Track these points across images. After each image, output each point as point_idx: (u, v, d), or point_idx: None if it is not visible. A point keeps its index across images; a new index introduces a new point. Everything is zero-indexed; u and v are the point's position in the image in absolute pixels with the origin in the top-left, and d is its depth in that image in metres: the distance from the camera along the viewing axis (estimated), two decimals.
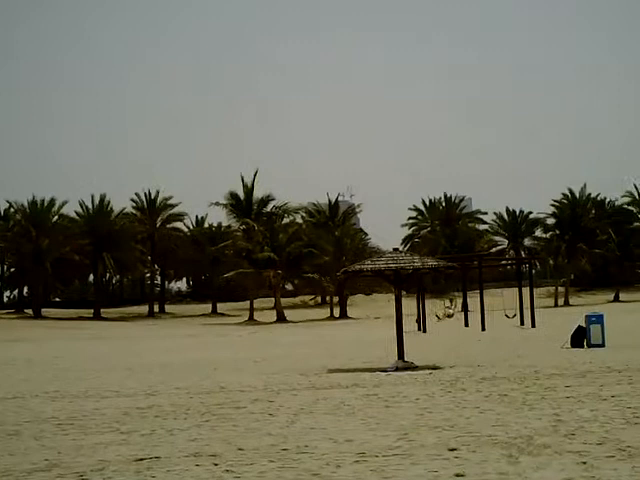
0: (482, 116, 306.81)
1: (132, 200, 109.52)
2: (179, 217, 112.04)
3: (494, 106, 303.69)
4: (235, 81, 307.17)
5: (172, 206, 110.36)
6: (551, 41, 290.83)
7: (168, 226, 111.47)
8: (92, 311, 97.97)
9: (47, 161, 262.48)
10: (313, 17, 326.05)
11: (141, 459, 11.69)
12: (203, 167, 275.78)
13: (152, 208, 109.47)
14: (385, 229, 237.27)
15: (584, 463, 10.31)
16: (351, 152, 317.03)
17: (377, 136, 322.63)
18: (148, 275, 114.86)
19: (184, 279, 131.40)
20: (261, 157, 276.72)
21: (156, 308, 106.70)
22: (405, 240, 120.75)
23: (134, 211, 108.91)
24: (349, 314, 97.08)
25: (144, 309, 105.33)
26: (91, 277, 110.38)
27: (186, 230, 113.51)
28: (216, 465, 11.11)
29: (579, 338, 31.94)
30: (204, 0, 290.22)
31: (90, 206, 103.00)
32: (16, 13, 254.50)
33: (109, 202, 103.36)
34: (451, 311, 66.22)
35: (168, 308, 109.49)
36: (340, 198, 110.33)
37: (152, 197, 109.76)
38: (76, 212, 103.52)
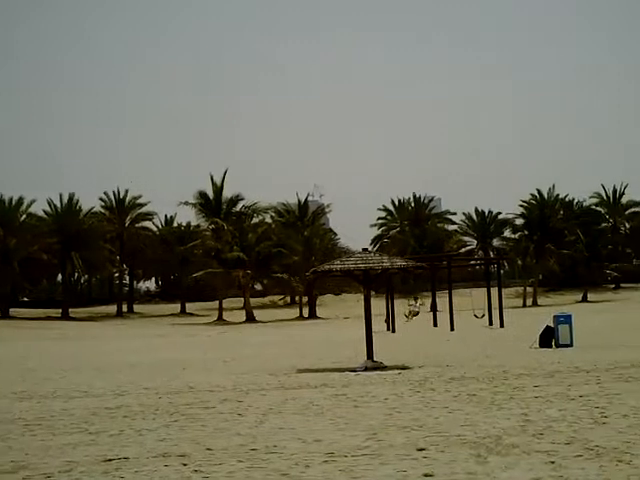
0: (479, 116, 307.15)
1: (101, 199, 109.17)
2: (148, 216, 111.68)
3: (492, 106, 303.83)
4: (236, 81, 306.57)
5: (141, 205, 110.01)
6: (551, 41, 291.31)
7: (137, 225, 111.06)
8: (60, 311, 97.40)
9: (47, 161, 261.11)
10: (313, 17, 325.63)
11: (109, 460, 11.64)
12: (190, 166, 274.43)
13: (121, 207, 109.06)
14: (354, 229, 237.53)
15: (552, 463, 10.36)
16: (322, 152, 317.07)
17: (349, 136, 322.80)
18: (117, 275, 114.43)
19: (153, 279, 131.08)
20: (235, 158, 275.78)
21: (125, 308, 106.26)
22: (374, 240, 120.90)
23: (103, 210, 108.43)
24: (318, 314, 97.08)
25: (112, 309, 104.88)
26: (59, 277, 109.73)
27: (155, 229, 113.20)
28: (185, 465, 11.08)
29: (547, 338, 32.10)
30: (204, 0, 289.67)
31: (58, 205, 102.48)
32: (16, 13, 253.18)
33: (78, 201, 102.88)
34: (416, 309, 66.07)
35: (137, 308, 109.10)
36: (310, 198, 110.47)
37: (121, 196, 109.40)
38: (44, 211, 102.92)
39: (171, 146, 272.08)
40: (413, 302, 65.56)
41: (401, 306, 67.65)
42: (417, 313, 64.12)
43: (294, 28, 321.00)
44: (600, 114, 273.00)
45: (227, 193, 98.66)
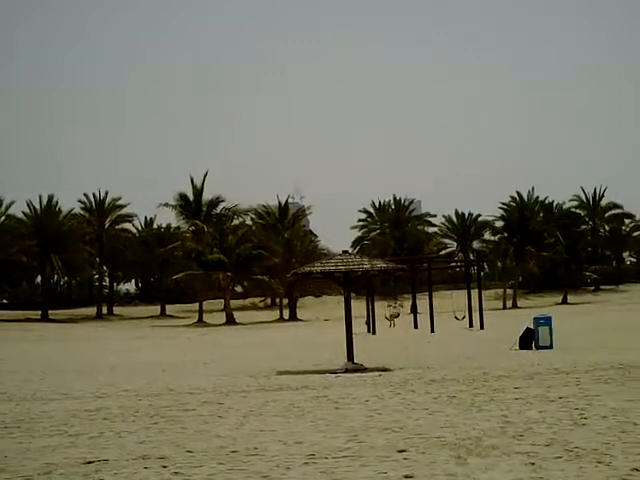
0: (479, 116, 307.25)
1: (80, 201, 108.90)
2: (128, 218, 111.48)
3: (492, 106, 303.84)
4: (234, 81, 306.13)
5: (121, 207, 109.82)
6: (551, 41, 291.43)
7: (117, 227, 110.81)
8: (40, 313, 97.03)
9: (47, 161, 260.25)
10: (313, 17, 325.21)
11: (89, 462, 11.60)
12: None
13: (101, 209, 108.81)
14: (335, 231, 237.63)
15: (532, 464, 10.38)
16: (301, 153, 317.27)
17: (334, 137, 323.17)
18: (96, 276, 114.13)
19: (133, 281, 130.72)
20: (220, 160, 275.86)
21: (104, 310, 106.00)
22: (355, 242, 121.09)
23: (82, 212, 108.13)
24: (299, 316, 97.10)
25: (92, 311, 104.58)
26: (39, 278, 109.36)
27: (135, 231, 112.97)
28: (165, 467, 11.05)
29: (527, 340, 32.17)
30: (204, 0, 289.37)
31: (38, 207, 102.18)
32: (16, 13, 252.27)
33: (57, 202, 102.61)
34: (397, 310, 65.85)
35: (117, 310, 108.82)
36: (290, 200, 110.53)
37: (101, 198, 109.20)
38: (24, 213, 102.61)
39: (170, 146, 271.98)
40: (392, 303, 65.43)
41: (382, 308, 67.75)
42: (398, 315, 64.01)
43: (294, 28, 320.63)
44: (600, 114, 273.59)
45: (208, 194, 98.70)
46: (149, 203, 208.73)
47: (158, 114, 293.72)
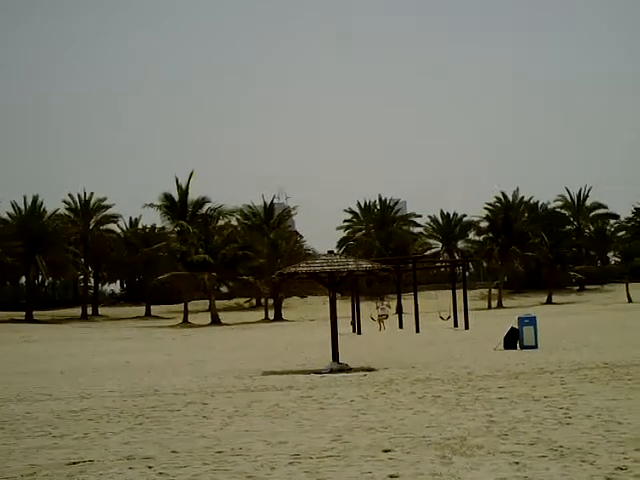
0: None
1: (65, 202, 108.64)
2: (113, 219, 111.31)
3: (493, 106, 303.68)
4: (222, 80, 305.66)
5: (106, 207, 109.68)
6: (552, 41, 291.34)
7: (102, 228, 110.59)
8: (24, 314, 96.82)
9: (32, 161, 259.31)
10: (297, 16, 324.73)
11: (74, 463, 11.57)
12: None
13: (86, 210, 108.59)
14: (321, 231, 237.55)
15: (517, 463, 10.40)
16: (287, 153, 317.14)
17: (314, 139, 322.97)
18: (81, 277, 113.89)
19: (118, 281, 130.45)
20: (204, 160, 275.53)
21: (89, 310, 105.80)
22: (340, 243, 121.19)
23: (67, 212, 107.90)
24: (284, 317, 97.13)
25: (77, 311, 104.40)
26: (23, 279, 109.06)
27: (120, 232, 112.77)
28: (150, 468, 11.03)
29: (512, 340, 32.22)
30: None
31: (22, 207, 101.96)
32: (16, 13, 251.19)
33: (42, 203, 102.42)
34: (385, 312, 64.96)
35: (102, 310, 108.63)
36: (275, 200, 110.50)
37: (86, 198, 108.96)
38: (8, 213, 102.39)
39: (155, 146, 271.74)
40: (380, 304, 64.96)
41: (367, 309, 67.70)
42: (386, 316, 63.58)
43: (282, 27, 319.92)
44: (600, 114, 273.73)
45: (194, 194, 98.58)
46: (135, 203, 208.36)
47: (145, 112, 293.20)
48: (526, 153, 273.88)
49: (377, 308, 64.21)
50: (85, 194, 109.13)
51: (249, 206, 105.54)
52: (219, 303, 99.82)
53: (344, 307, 54.12)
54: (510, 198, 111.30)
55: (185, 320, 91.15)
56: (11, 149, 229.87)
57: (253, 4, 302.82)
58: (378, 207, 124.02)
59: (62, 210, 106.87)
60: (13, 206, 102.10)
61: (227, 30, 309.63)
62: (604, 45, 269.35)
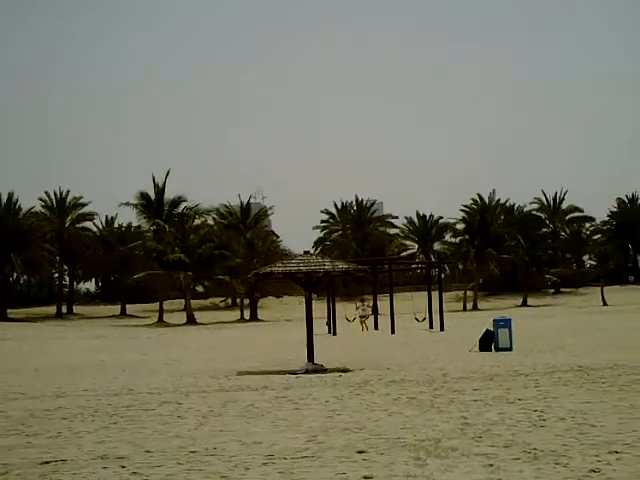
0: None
1: (41, 199, 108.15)
2: (89, 217, 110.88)
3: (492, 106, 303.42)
4: (201, 80, 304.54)
5: (82, 205, 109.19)
6: (552, 41, 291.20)
7: (78, 226, 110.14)
8: None
9: (8, 158, 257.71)
10: (314, 17, 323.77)
11: (47, 462, 11.53)
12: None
13: (62, 207, 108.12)
14: (298, 231, 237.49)
15: (491, 465, 10.44)
16: (264, 153, 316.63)
17: (292, 138, 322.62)
18: (56, 275, 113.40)
19: (93, 280, 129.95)
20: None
21: (64, 309, 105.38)
22: (316, 243, 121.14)
23: (43, 210, 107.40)
24: (260, 317, 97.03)
25: (52, 310, 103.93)
26: None
27: (96, 230, 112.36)
28: (123, 467, 11.01)
29: (487, 342, 32.29)
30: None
31: None
32: (16, 13, 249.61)
33: (17, 200, 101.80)
34: (365, 312, 64.44)
35: (77, 309, 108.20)
36: (252, 200, 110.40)
37: (62, 196, 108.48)
38: None
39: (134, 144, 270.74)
40: (361, 305, 64.70)
41: (343, 309, 67.76)
42: (367, 316, 63.26)
43: (265, 27, 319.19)
44: (600, 114, 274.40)
45: (170, 193, 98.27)
46: (111, 202, 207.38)
47: (145, 112, 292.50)
48: (526, 153, 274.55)
49: (357, 309, 64.16)
50: (61, 192, 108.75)
51: (225, 205, 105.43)
52: (195, 302, 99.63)
53: (320, 307, 54.11)
54: (487, 200, 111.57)
55: (160, 319, 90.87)
56: (11, 149, 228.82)
57: (253, 4, 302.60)
58: (355, 208, 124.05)
59: (38, 208, 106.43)
60: None
61: (227, 30, 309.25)
62: (604, 45, 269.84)
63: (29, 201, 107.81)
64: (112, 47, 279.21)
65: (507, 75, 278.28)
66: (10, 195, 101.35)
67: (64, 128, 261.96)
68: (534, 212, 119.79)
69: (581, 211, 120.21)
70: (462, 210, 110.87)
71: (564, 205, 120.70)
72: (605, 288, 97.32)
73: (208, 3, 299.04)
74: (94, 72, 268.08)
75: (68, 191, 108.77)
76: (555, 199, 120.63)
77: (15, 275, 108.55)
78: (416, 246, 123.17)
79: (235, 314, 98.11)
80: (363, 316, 61.57)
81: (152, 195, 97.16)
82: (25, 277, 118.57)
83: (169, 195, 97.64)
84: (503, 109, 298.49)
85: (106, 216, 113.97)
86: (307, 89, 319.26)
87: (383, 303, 63.39)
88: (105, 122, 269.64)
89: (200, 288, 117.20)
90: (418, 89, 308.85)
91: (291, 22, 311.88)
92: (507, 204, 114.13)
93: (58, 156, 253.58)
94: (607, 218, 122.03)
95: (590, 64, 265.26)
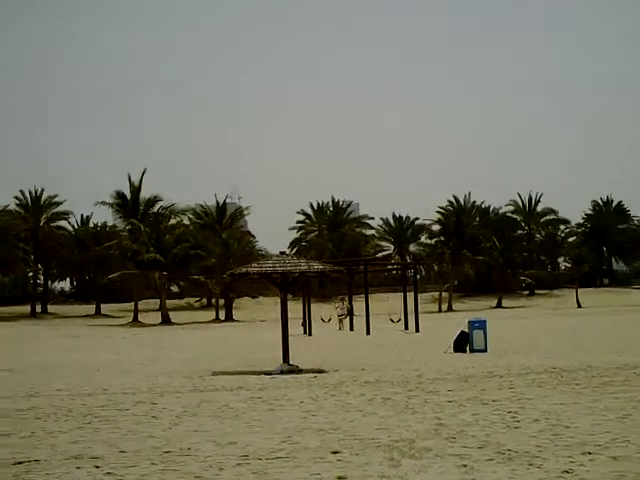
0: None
1: (16, 198, 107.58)
2: (64, 216, 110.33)
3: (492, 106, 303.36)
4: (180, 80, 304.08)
5: (57, 204, 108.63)
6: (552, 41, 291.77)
7: (52, 225, 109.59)
8: None
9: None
10: (314, 17, 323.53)
11: (20, 462, 11.48)
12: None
13: (36, 206, 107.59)
14: (273, 232, 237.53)
15: (464, 466, 10.47)
16: (240, 153, 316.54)
17: (269, 138, 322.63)
18: (31, 274, 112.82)
19: (68, 279, 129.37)
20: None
21: (39, 308, 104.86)
22: (292, 244, 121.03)
23: (18, 209, 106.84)
24: (235, 317, 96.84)
25: (26, 309, 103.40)
26: None
27: (71, 229, 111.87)
28: (97, 468, 10.98)
29: (462, 343, 32.37)
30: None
31: None
32: (16, 13, 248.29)
33: None
34: (344, 311, 64.10)
35: (51, 308, 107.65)
36: (228, 200, 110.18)
37: (37, 195, 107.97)
38: None
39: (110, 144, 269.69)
40: (339, 304, 64.58)
41: (318, 310, 67.79)
42: (346, 316, 63.11)
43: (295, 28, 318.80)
44: (600, 114, 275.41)
45: (146, 193, 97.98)
46: (86, 200, 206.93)
47: (145, 112, 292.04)
48: (526, 153, 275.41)
49: (336, 308, 64.23)
50: (36, 190, 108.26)
51: (201, 205, 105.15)
52: (170, 302, 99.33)
53: (295, 308, 54.06)
54: (462, 202, 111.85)
55: (135, 319, 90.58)
56: (11, 149, 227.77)
57: (253, 4, 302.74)
58: (331, 209, 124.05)
59: (12, 206, 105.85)
60: None
61: (227, 30, 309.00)
62: (604, 45, 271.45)
63: (4, 199, 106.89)
64: (112, 47, 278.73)
65: (507, 75, 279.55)
66: None
67: (64, 128, 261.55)
68: (509, 214, 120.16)
69: (556, 213, 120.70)
70: (437, 212, 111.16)
71: (539, 207, 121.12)
72: (579, 290, 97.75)
73: (208, 3, 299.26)
74: (94, 72, 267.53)
75: (42, 189, 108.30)
76: (530, 201, 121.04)
77: None
78: (392, 247, 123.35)
79: (210, 314, 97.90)
80: (342, 315, 61.61)
81: (128, 194, 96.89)
82: None
83: (145, 194, 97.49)
84: (503, 109, 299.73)
85: (81, 215, 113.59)
86: (307, 89, 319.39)
87: (358, 304, 63.37)
88: (105, 122, 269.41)
89: (175, 288, 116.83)
90: (418, 89, 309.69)
91: (291, 22, 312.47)
92: (482, 206, 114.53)
93: (58, 156, 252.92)
94: (582, 221, 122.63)
95: (590, 64, 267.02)
